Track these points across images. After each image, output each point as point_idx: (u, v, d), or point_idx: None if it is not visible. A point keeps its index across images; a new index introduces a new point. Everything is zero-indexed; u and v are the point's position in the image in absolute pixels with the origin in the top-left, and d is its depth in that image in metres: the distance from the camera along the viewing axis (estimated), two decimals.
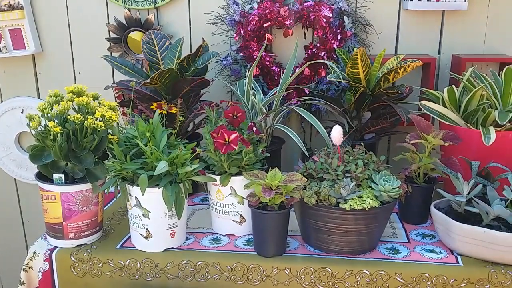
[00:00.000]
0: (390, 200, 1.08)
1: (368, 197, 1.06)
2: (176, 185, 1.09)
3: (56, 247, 1.16)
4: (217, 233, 1.23)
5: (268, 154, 1.19)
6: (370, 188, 1.09)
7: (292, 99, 1.63)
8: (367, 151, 1.17)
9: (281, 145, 1.45)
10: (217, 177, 1.16)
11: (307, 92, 1.62)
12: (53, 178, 1.12)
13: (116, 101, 1.50)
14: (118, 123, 1.17)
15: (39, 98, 1.91)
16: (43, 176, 1.14)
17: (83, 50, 1.83)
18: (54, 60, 1.86)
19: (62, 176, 1.12)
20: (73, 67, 1.86)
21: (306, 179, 1.11)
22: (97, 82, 1.66)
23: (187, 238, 1.20)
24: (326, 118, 1.66)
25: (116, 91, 1.67)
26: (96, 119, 1.09)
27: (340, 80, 1.32)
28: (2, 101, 1.93)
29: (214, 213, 1.22)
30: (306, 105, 1.60)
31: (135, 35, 1.75)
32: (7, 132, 1.91)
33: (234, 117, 1.19)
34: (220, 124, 1.16)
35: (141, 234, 1.13)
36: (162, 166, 1.05)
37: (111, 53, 1.81)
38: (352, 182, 1.07)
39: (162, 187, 1.07)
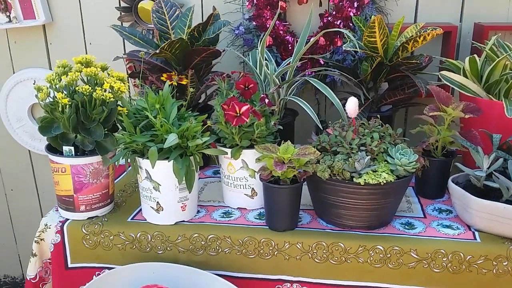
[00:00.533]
0: (406, 174, 1.05)
1: (383, 171, 1.03)
2: (186, 158, 1.07)
3: (68, 219, 1.16)
4: (228, 206, 1.21)
5: (281, 127, 1.16)
6: (385, 162, 1.06)
7: (306, 70, 1.58)
8: (383, 124, 1.13)
9: (295, 118, 1.41)
10: (228, 150, 1.14)
11: (322, 63, 1.57)
12: (63, 150, 1.11)
13: (127, 72, 1.48)
14: (129, 94, 1.14)
15: (50, 69, 1.89)
16: (53, 148, 1.13)
17: (93, 20, 1.79)
18: (64, 31, 1.83)
19: (72, 148, 1.10)
20: (84, 38, 1.83)
21: (320, 153, 1.08)
22: (108, 53, 1.63)
23: (198, 211, 1.19)
24: (341, 89, 1.61)
25: (127, 61, 1.64)
26: (105, 90, 1.06)
27: (356, 49, 1.27)
28: (14, 72, 1.92)
29: (225, 187, 1.21)
30: (321, 76, 1.56)
31: (146, 4, 1.71)
32: (20, 104, 1.91)
33: (246, 88, 1.15)
34: (231, 95, 1.12)
35: (152, 207, 1.12)
36: (172, 139, 1.03)
37: (121, 23, 1.77)
38: (367, 155, 1.04)
39: (172, 160, 1.05)
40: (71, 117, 1.05)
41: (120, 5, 1.75)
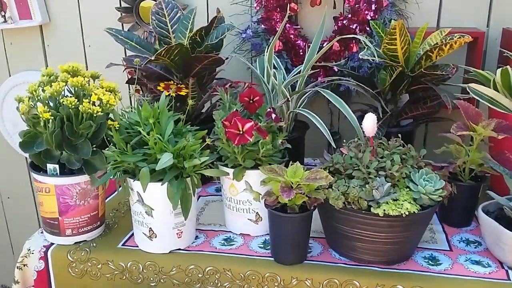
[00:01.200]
0: (431, 203, 0.92)
1: (405, 200, 0.90)
2: (182, 180, 0.95)
3: (53, 243, 1.05)
4: (230, 231, 1.10)
5: (289, 145, 1.04)
6: (407, 189, 0.93)
7: (319, 78, 1.46)
8: (404, 144, 1.00)
9: (305, 131, 1.29)
10: (230, 171, 1.02)
11: (336, 70, 1.45)
12: (47, 169, 1.00)
13: (128, 77, 1.37)
14: (121, 105, 1.03)
15: None
16: (37, 166, 1.02)
17: (92, 21, 1.69)
18: (62, 32, 1.73)
19: (57, 166, 0.99)
20: (83, 39, 1.73)
21: (332, 177, 0.96)
22: (108, 56, 1.52)
23: (196, 237, 1.07)
24: (356, 99, 1.49)
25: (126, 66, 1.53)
26: (93, 103, 0.95)
27: (374, 58, 1.14)
28: (10, 75, 1.83)
29: (227, 210, 1.09)
30: (334, 85, 1.43)
31: (148, 3, 1.60)
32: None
33: (251, 101, 1.03)
34: (234, 109, 1.01)
35: (144, 234, 1.00)
36: (165, 160, 0.91)
37: (122, 25, 1.66)
38: (387, 182, 0.92)
39: (166, 183, 0.94)
40: (55, 132, 0.94)
41: (120, 5, 1.65)
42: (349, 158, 0.98)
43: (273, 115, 1.01)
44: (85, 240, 1.06)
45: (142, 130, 0.96)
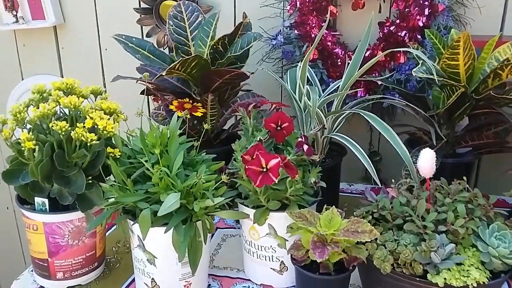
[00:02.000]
0: (504, 269, 0.72)
1: (471, 265, 0.71)
2: (191, 225, 0.78)
3: (43, 287, 0.90)
4: (249, 280, 0.92)
5: (323, 184, 0.85)
6: (474, 249, 0.73)
7: (358, 93, 1.26)
8: (468, 188, 0.80)
9: (341, 158, 1.10)
10: (251, 212, 0.84)
11: (379, 84, 1.25)
12: (35, 203, 0.85)
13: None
14: (126, 126, 0.87)
15: (62, 76, 1.66)
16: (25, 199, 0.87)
17: (109, 23, 1.54)
18: (77, 34, 1.59)
19: (46, 201, 0.84)
20: (99, 42, 1.58)
21: (377, 224, 0.77)
22: (126, 60, 1.35)
23: (209, 286, 0.90)
24: (402, 117, 1.29)
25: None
26: (88, 129, 0.79)
27: (431, 76, 0.94)
28: (22, 79, 1.70)
29: (246, 254, 0.91)
30: (376, 98, 1.24)
31: (170, 3, 1.44)
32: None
33: (278, 128, 0.85)
34: (257, 139, 0.82)
35: (146, 284, 0.84)
36: (170, 203, 0.74)
37: (141, 27, 1.51)
38: (449, 240, 0.72)
39: (172, 229, 0.77)
40: (42, 163, 0.79)
41: (140, 5, 1.49)
42: (398, 204, 0.79)
43: (305, 146, 0.82)
44: (80, 285, 0.91)
45: (146, 161, 0.80)
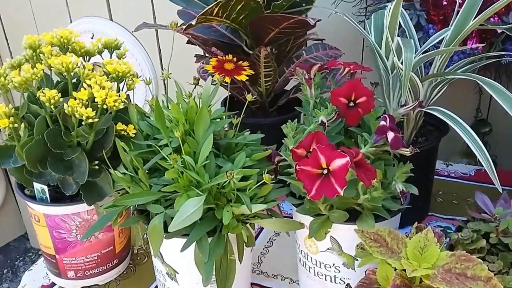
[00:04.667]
0: None
1: None
2: (220, 238, 0.57)
3: (55, 284, 0.75)
4: None
5: (415, 191, 0.58)
6: None
7: (468, 44, 0.94)
8: None
9: (439, 139, 0.81)
10: (307, 220, 0.61)
11: (498, 32, 0.92)
12: (34, 190, 0.67)
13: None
14: (150, 90, 0.66)
15: (111, 19, 1.48)
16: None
17: None
18: None
19: (45, 188, 0.66)
20: None
21: (492, 253, 0.51)
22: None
23: None
24: None
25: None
26: (87, 102, 0.58)
27: None
28: (71, 22, 1.54)
29: (301, 267, 0.69)
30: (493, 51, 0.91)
31: None
32: None
33: (351, 103, 0.59)
34: (320, 122, 0.57)
35: None
36: (188, 211, 0.52)
37: None
38: None
39: (194, 243, 0.56)
40: (30, 143, 0.60)
41: None
42: None
43: (390, 134, 0.55)
44: (97, 285, 0.74)
45: (162, 147, 0.58)
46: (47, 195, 0.66)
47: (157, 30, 1.40)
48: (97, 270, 0.73)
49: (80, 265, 0.71)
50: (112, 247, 0.73)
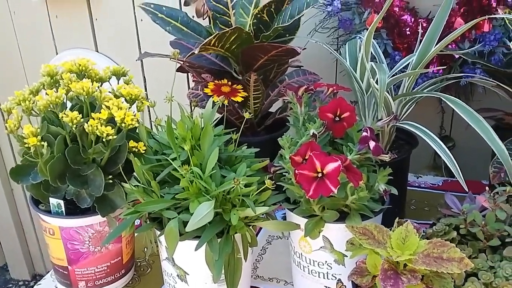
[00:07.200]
0: None
1: None
2: (228, 239, 0.64)
3: None
4: None
5: (395, 191, 0.68)
6: None
7: (430, 67, 1.06)
8: None
9: (411, 150, 0.91)
10: (302, 221, 0.69)
11: (457, 57, 1.05)
12: (50, 205, 0.73)
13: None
14: (154, 113, 0.73)
15: (97, 51, 1.55)
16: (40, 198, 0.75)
17: None
18: (111, 4, 1.46)
19: (61, 202, 0.72)
20: (134, 13, 1.44)
21: (463, 243, 0.60)
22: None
23: None
24: (480, 98, 1.08)
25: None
26: (105, 122, 0.65)
27: None
28: (57, 53, 1.60)
29: (296, 268, 0.76)
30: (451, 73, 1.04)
31: None
32: None
33: (337, 118, 0.68)
34: (311, 134, 0.66)
35: None
36: (202, 214, 0.60)
37: None
38: None
39: (205, 244, 0.63)
40: (53, 161, 0.66)
41: None
42: (493, 219, 0.61)
43: (372, 143, 0.65)
44: None
45: (174, 160, 0.66)
46: (63, 209, 0.72)
47: (142, 60, 1.48)
48: (107, 279, 0.78)
49: (91, 275, 0.77)
50: (120, 258, 0.79)
